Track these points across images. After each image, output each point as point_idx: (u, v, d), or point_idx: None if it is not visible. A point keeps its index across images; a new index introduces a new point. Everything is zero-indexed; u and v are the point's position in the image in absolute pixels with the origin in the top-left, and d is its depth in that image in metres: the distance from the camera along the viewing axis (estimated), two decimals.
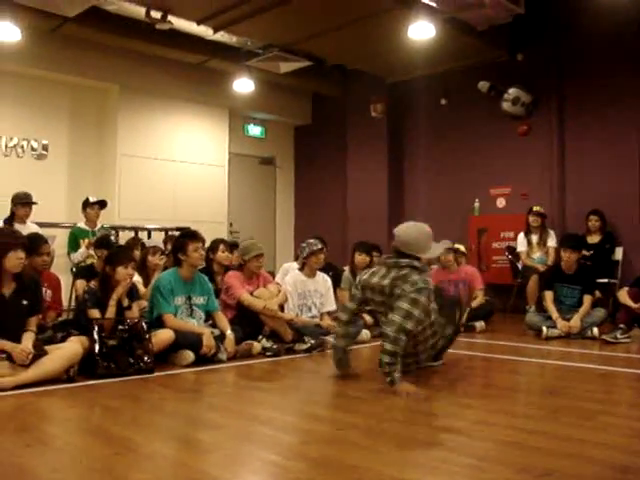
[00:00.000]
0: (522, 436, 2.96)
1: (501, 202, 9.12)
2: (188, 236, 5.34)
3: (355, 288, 4.42)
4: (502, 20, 7.67)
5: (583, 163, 8.35)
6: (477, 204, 9.20)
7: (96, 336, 4.42)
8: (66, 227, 7.75)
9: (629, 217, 7.87)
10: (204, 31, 8.17)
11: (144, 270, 6.00)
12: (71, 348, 4.26)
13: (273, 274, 6.96)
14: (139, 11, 7.42)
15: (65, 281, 6.37)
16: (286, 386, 4.50)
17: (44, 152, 8.82)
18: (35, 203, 6.87)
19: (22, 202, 6.77)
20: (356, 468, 2.52)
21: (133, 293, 4.94)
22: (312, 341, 5.52)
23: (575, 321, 6.24)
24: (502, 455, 2.68)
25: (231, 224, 10.52)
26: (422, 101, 9.91)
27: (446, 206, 9.52)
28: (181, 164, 9.85)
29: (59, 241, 7.01)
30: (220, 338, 5.08)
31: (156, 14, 7.38)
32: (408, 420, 3.32)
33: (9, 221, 6.67)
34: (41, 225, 6.96)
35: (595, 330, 6.21)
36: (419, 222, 4.37)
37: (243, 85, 9.48)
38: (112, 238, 6.62)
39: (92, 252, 6.68)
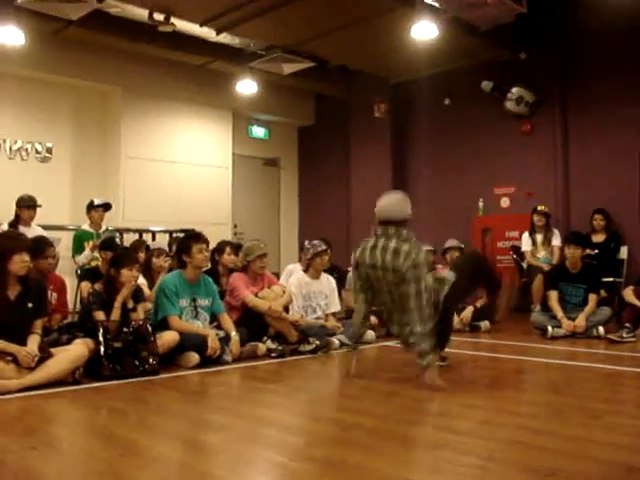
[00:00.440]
0: (527, 436, 2.95)
1: (505, 202, 9.11)
2: (192, 238, 5.35)
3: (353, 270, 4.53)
4: (505, 20, 7.66)
5: (587, 162, 8.34)
6: (481, 204, 9.19)
7: (101, 338, 4.43)
8: (70, 230, 7.76)
9: (634, 216, 7.86)
10: (207, 33, 8.18)
11: (149, 272, 6.01)
12: (76, 350, 4.26)
13: (278, 275, 6.96)
14: (142, 14, 7.43)
15: (70, 283, 6.38)
16: (291, 387, 4.50)
17: (48, 155, 8.84)
18: (39, 206, 6.88)
19: (26, 205, 6.78)
20: (361, 469, 2.52)
21: (138, 295, 4.95)
22: (317, 342, 5.51)
23: (580, 320, 6.22)
24: (507, 455, 2.68)
25: (235, 225, 10.53)
26: (425, 101, 9.90)
27: (450, 206, 9.51)
28: (185, 166, 9.86)
29: (64, 243, 7.02)
30: (225, 340, 5.08)
31: (159, 16, 7.40)
32: (413, 420, 3.31)
33: (14, 224, 6.69)
34: (45, 228, 6.97)
35: (600, 329, 6.19)
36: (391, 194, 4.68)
37: (246, 86, 9.49)
38: (117, 240, 6.62)
39: (97, 254, 6.69)
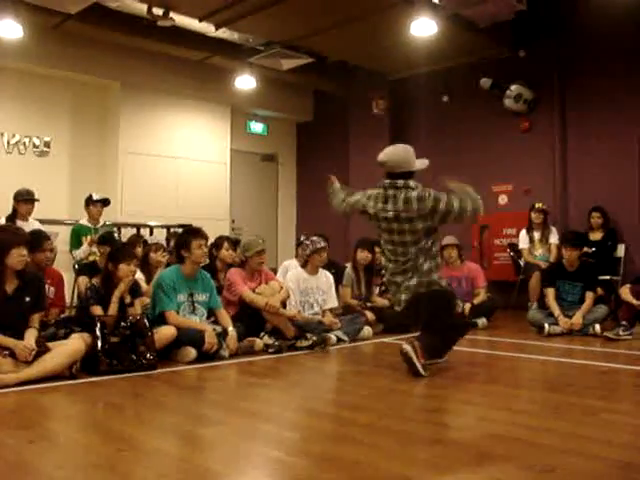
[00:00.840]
0: (524, 433, 2.96)
1: (503, 199, 9.12)
2: (191, 233, 5.35)
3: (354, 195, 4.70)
4: (504, 17, 7.67)
5: (585, 160, 8.35)
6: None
7: (98, 333, 4.43)
8: (68, 224, 7.75)
9: (631, 214, 7.87)
10: (206, 28, 8.17)
11: (146, 267, 6.01)
12: (74, 345, 4.26)
13: (275, 271, 6.96)
14: (141, 8, 7.42)
15: (67, 278, 6.37)
16: (288, 383, 4.51)
17: (46, 149, 8.83)
18: (37, 200, 6.87)
19: (24, 199, 6.77)
20: (358, 464, 2.53)
21: (135, 290, 4.95)
22: (314, 338, 5.52)
23: (577, 318, 6.24)
24: (504, 452, 2.68)
25: (233, 221, 10.52)
26: (424, 98, 9.91)
27: None
28: (183, 161, 9.85)
29: (61, 238, 7.01)
30: (222, 335, 5.09)
31: (158, 11, 7.39)
32: (410, 416, 3.32)
33: (11, 218, 6.68)
34: (43, 222, 6.96)
35: (597, 327, 6.21)
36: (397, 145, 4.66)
37: (245, 82, 9.48)
38: (114, 235, 6.62)
39: (94, 249, 6.69)
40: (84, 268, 6.39)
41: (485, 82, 8.78)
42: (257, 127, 11.21)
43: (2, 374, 3.86)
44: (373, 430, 3.04)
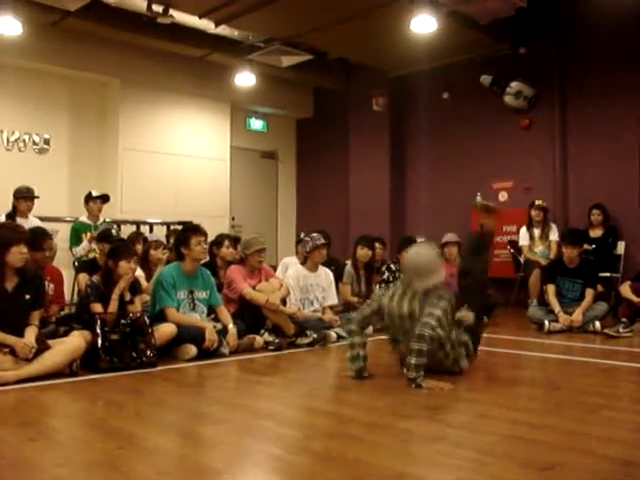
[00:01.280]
0: (525, 430, 2.96)
1: (503, 196, 9.11)
2: (191, 230, 5.35)
3: (369, 305, 4.40)
4: (505, 13, 7.65)
5: (585, 157, 8.34)
6: (479, 198, 9.18)
7: (99, 330, 4.43)
8: (68, 221, 7.75)
9: (631, 211, 7.86)
10: (206, 25, 8.15)
11: (146, 264, 6.00)
12: (74, 342, 4.26)
13: (275, 268, 6.96)
14: (141, 5, 7.40)
15: (67, 275, 6.37)
16: (288, 380, 4.51)
17: (46, 146, 8.82)
18: (37, 197, 6.86)
19: (24, 196, 6.76)
20: (359, 462, 2.53)
21: (135, 287, 4.94)
22: (314, 335, 5.52)
23: (577, 315, 6.24)
24: (505, 449, 2.69)
25: (233, 218, 10.52)
26: (424, 95, 9.89)
27: (448, 200, 9.51)
28: (183, 158, 9.84)
29: (61, 235, 7.00)
30: (222, 332, 5.09)
31: (158, 8, 7.37)
32: (410, 414, 3.32)
33: (11, 215, 6.67)
34: (43, 219, 6.95)
35: (597, 324, 6.22)
36: (424, 246, 4.40)
37: (245, 79, 9.46)
38: (114, 232, 6.61)
39: (94, 246, 6.68)
40: (84, 265, 6.38)
41: (485, 79, 8.77)
42: (257, 124, 11.20)
43: (2, 372, 3.86)
44: (374, 428, 3.04)
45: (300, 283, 6.06)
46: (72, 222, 7.53)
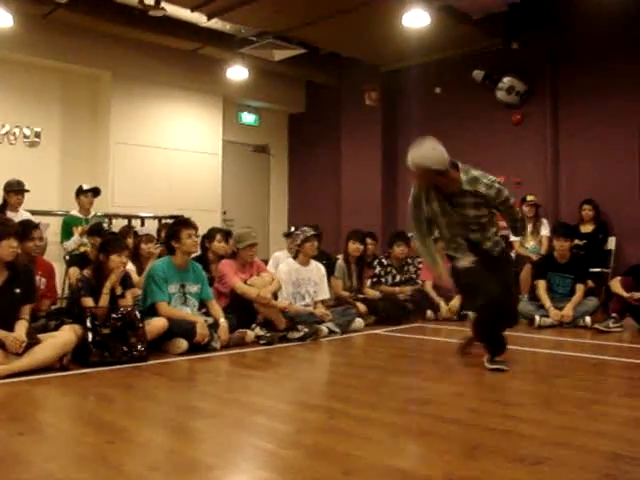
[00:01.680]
0: (515, 425, 2.97)
1: None
2: (181, 223, 5.34)
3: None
4: (497, 8, 7.67)
5: (577, 152, 8.36)
6: None
7: (89, 324, 4.42)
8: (59, 215, 7.72)
9: (622, 206, 7.89)
10: (198, 18, 8.12)
11: (137, 258, 5.99)
12: (64, 336, 4.25)
13: (266, 262, 6.95)
14: None
15: (58, 269, 6.34)
16: (279, 374, 4.51)
17: (37, 139, 8.77)
18: (27, 191, 6.83)
19: (14, 190, 6.73)
20: (349, 456, 2.53)
21: (126, 281, 4.94)
22: (305, 329, 5.53)
23: (568, 310, 6.27)
24: (495, 444, 2.70)
25: (225, 212, 10.50)
26: (416, 89, 9.88)
27: None
28: (174, 152, 9.81)
29: (52, 229, 6.98)
30: (214, 326, 5.09)
31: (150, 0, 7.33)
32: (401, 409, 3.33)
33: (1, 209, 6.64)
34: (34, 213, 6.92)
35: (587, 319, 6.25)
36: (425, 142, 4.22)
37: (237, 72, 9.43)
38: (105, 226, 6.59)
39: (85, 240, 6.66)
40: (75, 259, 6.36)
41: (478, 74, 8.77)
42: (249, 118, 11.17)
43: None
44: (365, 422, 3.04)
45: (292, 277, 6.06)
46: (63, 216, 7.50)
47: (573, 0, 8.10)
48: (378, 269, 7.24)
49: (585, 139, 8.27)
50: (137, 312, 4.68)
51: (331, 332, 5.81)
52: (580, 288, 6.45)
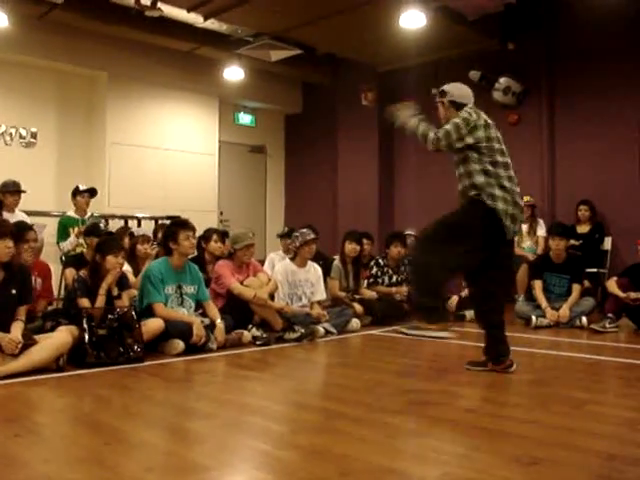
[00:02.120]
0: (511, 425, 2.97)
1: None
2: (179, 224, 5.33)
3: None
4: (493, 9, 7.67)
5: (573, 153, 8.37)
6: None
7: (86, 325, 4.41)
8: (55, 216, 7.70)
9: (619, 207, 7.91)
10: (194, 19, 8.13)
11: (133, 259, 5.98)
12: (60, 337, 4.24)
13: (263, 263, 6.95)
14: None
15: (55, 270, 6.33)
16: (276, 375, 4.51)
17: (33, 140, 8.76)
18: (24, 191, 6.82)
19: (10, 191, 6.71)
20: (346, 457, 2.53)
21: (123, 282, 4.93)
22: (302, 330, 5.52)
23: (564, 310, 6.28)
24: (491, 444, 2.70)
25: (221, 213, 10.50)
26: (413, 90, 9.87)
27: (436, 194, 9.49)
28: (171, 152, 9.81)
29: (48, 230, 6.97)
30: (210, 327, 5.08)
31: (146, 1, 7.34)
32: (397, 409, 3.33)
33: None
34: (30, 214, 6.91)
35: (584, 319, 6.25)
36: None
37: (233, 73, 9.44)
38: (101, 226, 6.58)
39: (82, 241, 6.65)
40: (71, 260, 6.34)
41: (474, 74, 8.77)
42: (245, 119, 11.17)
43: None
44: (361, 423, 3.04)
45: (289, 278, 6.06)
46: (59, 216, 7.48)
47: (569, 1, 8.12)
48: (375, 270, 7.23)
49: (581, 139, 8.28)
50: (133, 313, 4.68)
51: (327, 333, 5.81)
52: (576, 288, 6.45)
